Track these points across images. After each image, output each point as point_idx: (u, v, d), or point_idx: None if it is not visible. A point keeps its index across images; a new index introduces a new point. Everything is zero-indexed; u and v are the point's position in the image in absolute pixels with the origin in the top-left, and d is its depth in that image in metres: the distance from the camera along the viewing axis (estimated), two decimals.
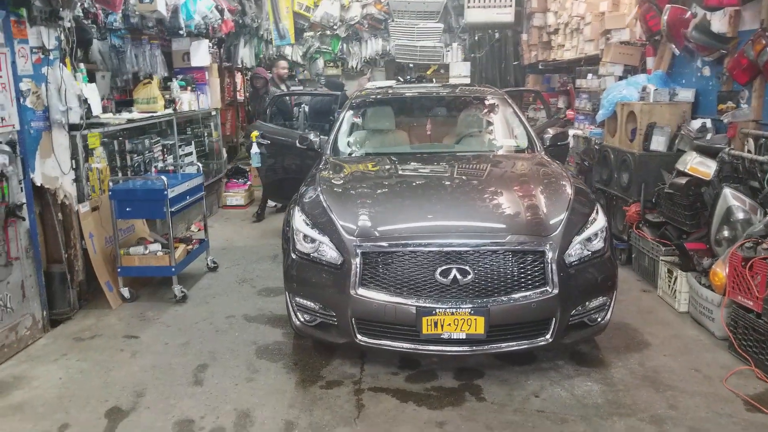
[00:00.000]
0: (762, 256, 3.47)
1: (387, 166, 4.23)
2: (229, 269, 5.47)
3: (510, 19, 8.76)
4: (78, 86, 4.33)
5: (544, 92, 7.63)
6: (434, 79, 9.69)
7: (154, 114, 5.71)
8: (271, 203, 7.42)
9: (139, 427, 3.06)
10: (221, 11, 7.01)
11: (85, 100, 4.46)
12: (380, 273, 3.24)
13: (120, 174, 5.16)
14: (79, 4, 4.51)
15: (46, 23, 4.04)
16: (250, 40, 9.41)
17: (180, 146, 6.28)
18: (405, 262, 3.21)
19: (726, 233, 4.07)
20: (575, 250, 3.32)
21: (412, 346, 3.26)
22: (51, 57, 4.12)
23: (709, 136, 4.65)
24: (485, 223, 3.40)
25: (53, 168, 4.22)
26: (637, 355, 3.72)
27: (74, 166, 4.42)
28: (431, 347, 3.24)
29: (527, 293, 3.19)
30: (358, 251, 3.24)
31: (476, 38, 9.68)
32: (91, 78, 5.27)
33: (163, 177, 4.54)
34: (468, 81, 9.01)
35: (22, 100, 3.90)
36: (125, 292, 4.66)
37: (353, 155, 4.67)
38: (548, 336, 3.26)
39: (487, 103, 5.05)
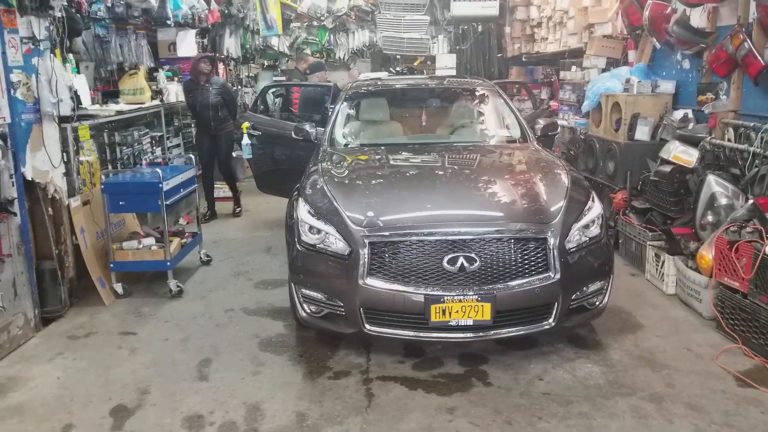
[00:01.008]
0: (747, 239, 3.63)
1: (387, 157, 4.27)
2: (222, 262, 5.43)
3: (495, 12, 8.88)
4: (69, 77, 4.23)
5: (528, 84, 7.77)
6: (425, 71, 9.76)
7: (143, 105, 5.62)
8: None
9: (147, 425, 3.04)
10: (208, 1, 6.92)
11: (75, 92, 4.36)
12: (388, 262, 3.28)
13: (110, 167, 5.07)
14: None
15: (36, 13, 3.94)
16: (236, 31, 9.30)
17: (168, 138, 6.19)
18: (413, 251, 3.26)
19: (710, 218, 4.24)
20: (574, 237, 3.42)
21: (421, 333, 3.32)
22: (41, 47, 4.02)
23: (690, 125, 4.82)
24: (489, 212, 3.47)
25: (44, 162, 4.13)
26: (631, 336, 3.86)
27: (65, 160, 4.32)
28: (440, 334, 3.31)
29: (531, 279, 3.27)
30: (366, 241, 3.27)
31: (461, 31, 9.78)
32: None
33: (157, 170, 4.48)
34: (454, 72, 9.10)
35: (12, 91, 3.81)
36: (118, 287, 4.59)
37: (352, 146, 4.68)
38: (551, 320, 3.36)
39: (481, 94, 5.13)
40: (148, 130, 5.88)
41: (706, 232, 4.23)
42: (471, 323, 3.23)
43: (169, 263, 4.57)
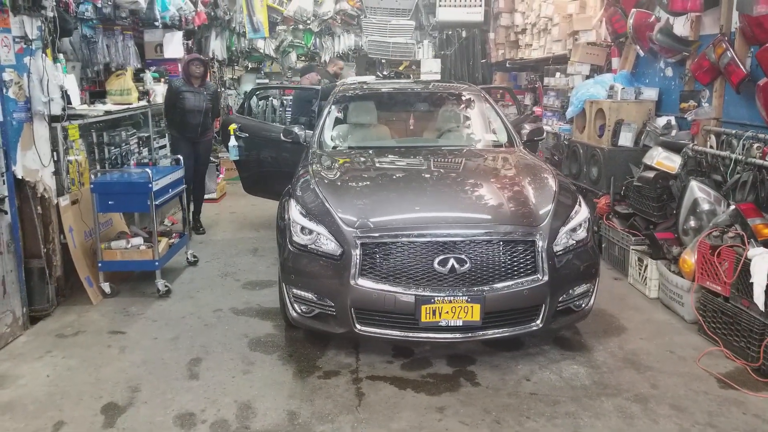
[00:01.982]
0: (729, 244, 3.73)
1: (378, 160, 4.31)
2: (209, 263, 5.43)
3: (480, 18, 9.01)
4: (60, 77, 4.22)
5: (512, 89, 7.87)
6: (411, 75, 9.83)
7: (131, 106, 5.60)
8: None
9: (138, 422, 3.04)
10: (195, 3, 6.92)
11: (65, 92, 4.35)
12: (379, 263, 3.32)
13: (98, 166, 5.05)
14: None
15: (29, 12, 3.93)
16: (222, 33, 9.30)
17: (155, 139, 6.18)
18: (404, 253, 3.31)
19: (692, 223, 4.34)
20: (562, 240, 3.49)
21: (411, 334, 3.36)
22: (33, 47, 4.01)
23: (673, 132, 4.94)
24: (480, 215, 3.53)
25: (34, 160, 4.11)
26: (615, 339, 3.94)
27: (55, 159, 4.31)
28: (429, 335, 3.35)
29: (519, 281, 3.34)
30: (358, 242, 3.31)
31: (445, 36, 9.89)
32: None
33: (147, 170, 4.48)
34: (438, 77, 9.19)
35: (4, 90, 3.79)
36: (106, 287, 4.58)
37: (341, 149, 4.72)
38: (538, 321, 3.42)
39: (469, 98, 5.20)
40: (135, 130, 5.86)
41: (689, 237, 4.34)
42: (460, 324, 3.28)
43: (157, 263, 4.57)
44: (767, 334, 3.39)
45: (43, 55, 4.13)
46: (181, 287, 4.84)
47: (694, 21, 4.80)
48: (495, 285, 3.31)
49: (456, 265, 3.27)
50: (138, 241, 4.67)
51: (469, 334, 3.37)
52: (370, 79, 6.98)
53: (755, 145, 3.97)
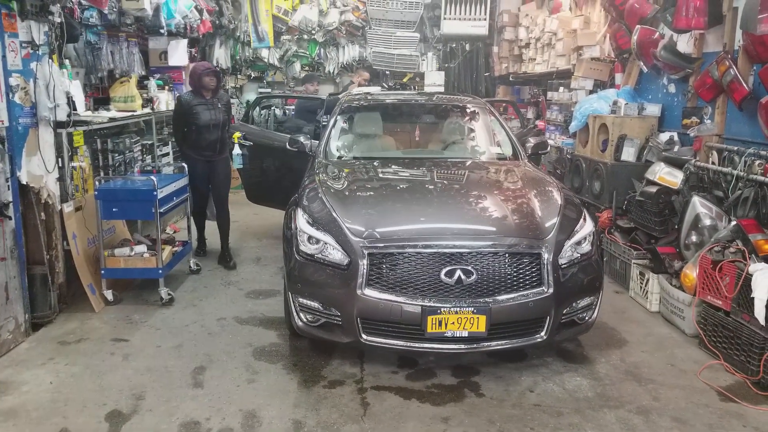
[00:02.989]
0: (730, 259, 3.76)
1: (385, 170, 4.34)
2: (212, 272, 5.43)
3: (484, 32, 9.08)
4: (66, 83, 4.24)
5: (516, 103, 7.94)
6: (415, 87, 9.89)
7: (135, 113, 5.62)
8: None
9: (143, 430, 3.04)
10: (200, 11, 6.96)
11: (71, 98, 4.36)
12: (386, 273, 3.33)
13: (102, 173, 5.06)
14: None
15: (37, 17, 3.95)
16: (226, 41, 9.34)
17: (158, 147, 6.18)
18: (411, 263, 3.32)
19: (694, 238, 4.38)
20: (566, 253, 3.51)
21: (417, 344, 3.37)
22: (40, 52, 4.03)
23: (676, 148, 4.99)
24: (487, 227, 3.55)
25: (38, 166, 4.12)
26: (617, 351, 3.96)
27: (59, 165, 4.31)
28: (435, 345, 3.36)
29: (525, 293, 3.35)
30: (366, 252, 3.33)
31: (449, 49, 9.96)
32: None
33: (152, 177, 4.49)
34: (442, 89, 9.25)
35: (11, 95, 3.80)
36: (108, 294, 4.57)
37: (347, 159, 4.73)
38: (543, 333, 3.44)
39: (475, 111, 5.23)
40: (139, 138, 5.88)
41: (690, 252, 4.37)
42: (466, 335, 3.29)
43: (160, 271, 4.56)
44: (767, 348, 3.42)
45: (50, 60, 4.15)
46: (183, 295, 4.83)
47: (698, 38, 4.86)
48: (501, 297, 3.32)
49: (463, 277, 3.28)
50: (141, 248, 4.67)
51: (475, 345, 3.38)
52: (375, 90, 7.01)
53: (757, 162, 4.01)
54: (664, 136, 5.14)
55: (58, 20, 4.18)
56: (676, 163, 4.81)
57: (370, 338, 3.40)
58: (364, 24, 9.81)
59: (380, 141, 5.07)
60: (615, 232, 5.31)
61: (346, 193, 3.87)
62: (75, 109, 4.55)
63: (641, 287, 4.75)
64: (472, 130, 5.18)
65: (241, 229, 7.02)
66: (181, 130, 5.40)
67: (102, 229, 4.61)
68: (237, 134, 5.94)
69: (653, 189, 4.79)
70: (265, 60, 9.87)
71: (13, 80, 3.83)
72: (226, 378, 3.54)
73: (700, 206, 4.33)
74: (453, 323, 3.27)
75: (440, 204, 3.79)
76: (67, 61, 4.60)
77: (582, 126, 5.91)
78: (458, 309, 3.25)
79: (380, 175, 4.25)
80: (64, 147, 4.35)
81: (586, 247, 3.62)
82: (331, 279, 3.42)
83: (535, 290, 3.36)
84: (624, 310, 4.68)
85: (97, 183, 4.50)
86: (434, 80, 9.39)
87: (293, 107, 7.57)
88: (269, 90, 9.80)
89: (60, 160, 4.35)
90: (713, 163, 4.53)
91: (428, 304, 3.26)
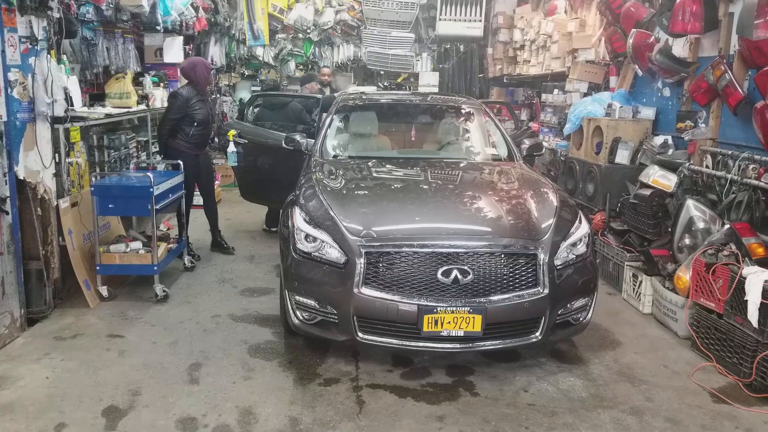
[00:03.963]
0: (724, 262, 3.81)
1: (381, 170, 4.35)
2: (206, 269, 5.43)
3: (479, 33, 9.11)
4: (63, 78, 4.23)
5: (510, 104, 7.98)
6: (410, 87, 9.90)
7: (131, 110, 5.60)
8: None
9: (140, 426, 3.04)
10: (196, 8, 6.94)
11: (68, 93, 4.35)
12: (383, 272, 3.35)
13: (97, 169, 5.04)
14: None
15: (36, 12, 3.94)
16: (221, 39, 9.32)
17: (153, 143, 6.17)
18: (408, 262, 3.34)
19: (687, 241, 4.43)
20: (562, 254, 3.54)
21: (412, 343, 3.39)
22: (38, 47, 4.02)
23: (670, 151, 5.04)
24: (484, 227, 3.58)
25: (35, 161, 4.11)
26: (610, 352, 4.00)
27: (56, 160, 4.30)
28: (430, 344, 3.38)
29: (520, 293, 3.38)
30: (363, 251, 3.34)
31: (444, 50, 9.99)
32: None
33: (149, 174, 4.48)
34: (436, 90, 9.28)
35: (9, 90, 3.79)
36: (103, 290, 4.56)
37: (343, 158, 4.74)
38: (538, 334, 3.46)
39: (471, 112, 5.26)
40: (134, 134, 5.86)
41: (683, 255, 4.42)
42: (462, 334, 3.32)
43: (156, 267, 4.56)
44: (760, 350, 3.46)
45: (48, 56, 4.14)
46: (178, 292, 4.83)
47: (693, 43, 4.91)
48: (496, 297, 3.35)
49: (459, 276, 3.31)
50: (137, 245, 4.66)
51: (470, 345, 3.40)
52: (370, 89, 7.02)
53: (751, 167, 4.06)
54: (658, 140, 5.19)
55: (57, 15, 4.17)
56: (670, 167, 4.86)
57: (366, 336, 3.41)
58: (359, 24, 9.82)
59: (376, 140, 5.08)
60: (608, 234, 5.35)
61: (344, 192, 3.88)
62: (72, 105, 4.54)
63: (634, 289, 4.79)
64: (467, 131, 5.21)
65: (234, 227, 7.02)
66: (171, 124, 5.37)
67: (98, 225, 4.61)
68: (232, 132, 5.94)
69: (647, 192, 4.84)
70: (260, 58, 9.86)
71: (12, 75, 3.82)
72: (221, 375, 3.55)
73: (693, 209, 4.38)
74: (449, 323, 3.29)
75: (437, 204, 3.81)
76: (64, 57, 4.59)
77: (576, 128, 5.95)
78: (454, 308, 3.27)
79: (377, 175, 4.26)
80: (61, 142, 4.34)
81: (581, 248, 3.66)
82: (328, 277, 3.43)
83: (530, 291, 3.39)
84: (617, 311, 4.72)
85: (93, 179, 4.49)
86: (428, 81, 9.41)
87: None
88: (260, 89, 9.78)
89: (57, 155, 4.33)
90: (707, 166, 4.58)
91: (424, 304, 3.28)
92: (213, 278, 5.20)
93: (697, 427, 3.16)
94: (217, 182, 7.81)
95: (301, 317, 3.58)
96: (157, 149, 6.38)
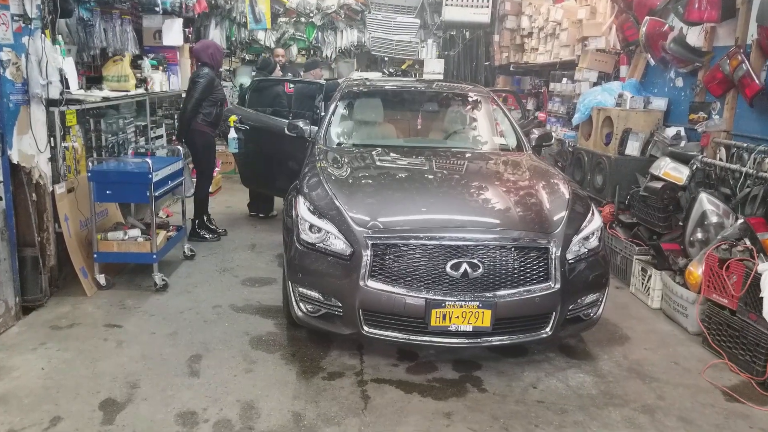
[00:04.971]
0: (738, 258, 3.71)
1: (387, 159, 4.23)
2: (206, 258, 5.31)
3: (486, 19, 8.94)
4: (59, 59, 4.08)
5: (517, 93, 7.84)
6: (415, 74, 9.73)
7: (129, 93, 5.46)
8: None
9: (139, 419, 2.94)
10: None
11: (63, 75, 4.21)
12: (389, 265, 3.24)
13: (95, 154, 4.91)
14: None
15: None
16: (222, 22, 9.14)
17: (152, 128, 6.03)
18: (416, 255, 3.23)
19: (700, 235, 4.33)
20: (574, 248, 3.44)
21: (419, 337, 3.29)
22: (32, 26, 3.87)
23: (682, 143, 4.92)
24: (493, 219, 3.47)
25: (30, 145, 3.97)
26: (620, 348, 3.91)
27: (51, 144, 4.17)
28: (438, 339, 3.28)
29: (531, 288, 3.28)
30: (369, 242, 3.23)
31: (449, 36, 9.82)
32: None
33: (147, 160, 4.35)
34: (441, 77, 9.12)
35: (1, 70, 3.65)
36: (101, 279, 4.45)
37: (348, 146, 4.62)
38: (548, 329, 3.37)
39: (479, 100, 5.12)
40: (132, 118, 5.72)
41: (695, 249, 4.32)
42: (470, 329, 3.22)
43: (155, 256, 4.45)
44: None
45: (42, 35, 3.99)
46: (178, 281, 4.72)
47: (709, 32, 4.78)
48: (507, 291, 3.24)
49: (469, 270, 3.20)
50: (135, 232, 4.55)
51: (478, 340, 3.31)
52: (375, 76, 6.88)
53: (767, 160, 3.95)
54: (670, 131, 5.07)
55: None
56: (682, 159, 4.75)
57: (371, 330, 3.32)
58: (363, 8, 9.64)
59: (382, 128, 4.95)
60: (617, 227, 5.25)
61: (350, 181, 3.76)
62: (68, 87, 4.40)
63: (643, 283, 4.70)
64: (475, 120, 5.08)
65: (235, 215, 6.91)
66: (197, 104, 5.53)
67: (95, 211, 4.49)
68: (233, 118, 5.80)
69: (658, 184, 4.73)
70: (262, 42, 9.68)
71: (4, 54, 3.67)
72: (222, 367, 3.45)
73: (707, 203, 4.27)
74: (457, 317, 3.19)
75: (445, 195, 3.70)
76: (60, 37, 4.44)
77: (585, 118, 5.83)
78: (463, 303, 3.18)
79: (383, 164, 4.15)
80: (56, 126, 4.20)
81: (593, 242, 3.56)
82: (333, 269, 3.33)
83: (541, 285, 3.29)
84: (625, 306, 4.63)
85: (90, 164, 4.36)
86: (433, 68, 9.26)
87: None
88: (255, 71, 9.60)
89: (52, 139, 4.19)
90: (721, 159, 4.47)
91: (432, 297, 3.18)
92: (213, 267, 5.09)
93: (711, 426, 3.08)
94: (217, 169, 7.69)
95: (304, 309, 3.48)
96: (156, 135, 6.26)
